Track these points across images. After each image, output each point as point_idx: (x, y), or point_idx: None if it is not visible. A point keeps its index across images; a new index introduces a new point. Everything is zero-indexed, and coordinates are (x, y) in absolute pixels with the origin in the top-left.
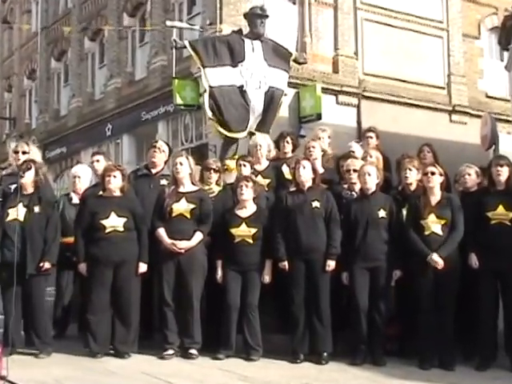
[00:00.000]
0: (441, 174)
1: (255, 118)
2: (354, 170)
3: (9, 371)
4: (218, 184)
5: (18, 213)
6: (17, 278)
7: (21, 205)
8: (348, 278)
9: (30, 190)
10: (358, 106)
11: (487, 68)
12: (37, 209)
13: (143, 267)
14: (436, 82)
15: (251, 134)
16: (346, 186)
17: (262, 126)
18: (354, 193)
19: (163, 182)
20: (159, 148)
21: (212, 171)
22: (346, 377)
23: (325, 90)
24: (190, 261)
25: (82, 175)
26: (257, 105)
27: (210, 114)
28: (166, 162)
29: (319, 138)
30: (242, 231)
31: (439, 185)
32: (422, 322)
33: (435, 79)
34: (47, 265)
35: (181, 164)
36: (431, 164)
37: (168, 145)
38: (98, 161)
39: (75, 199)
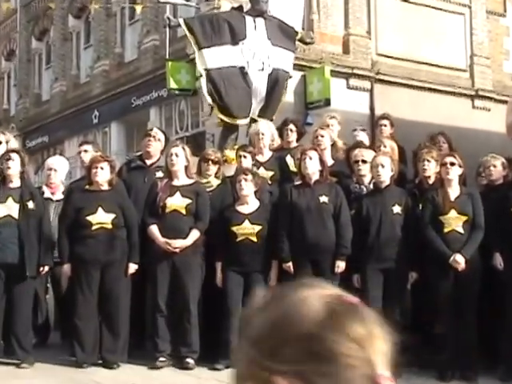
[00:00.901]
0: (460, 165)
1: (257, 103)
2: (363, 161)
3: None
4: (216, 177)
5: (9, 209)
6: (6, 281)
7: (11, 200)
8: (359, 281)
9: (16, 182)
10: (371, 91)
11: None
12: (31, 204)
13: (133, 268)
14: (457, 64)
15: (253, 120)
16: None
17: (265, 112)
18: (362, 186)
19: (159, 174)
20: (154, 136)
21: (211, 162)
22: None
23: (334, 73)
24: (185, 261)
25: (58, 168)
26: (259, 88)
27: (209, 99)
28: (162, 152)
29: (328, 126)
30: (245, 229)
31: (458, 177)
32: (441, 330)
33: (456, 61)
34: (46, 268)
35: (176, 155)
36: (450, 154)
37: (164, 133)
38: (85, 151)
39: (47, 193)
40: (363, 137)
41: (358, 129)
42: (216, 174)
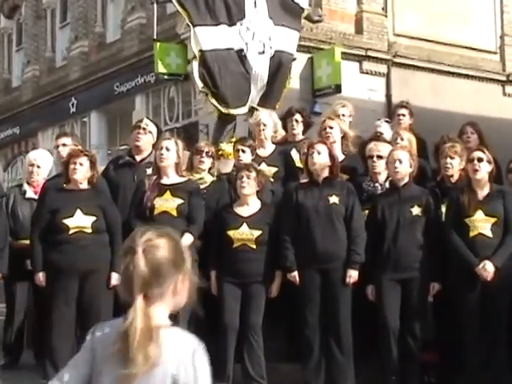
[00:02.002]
0: (489, 162)
1: (258, 90)
2: (378, 157)
3: None
4: (210, 173)
5: None
6: None
7: None
8: (374, 293)
9: None
10: (387, 76)
11: None
12: None
13: (117, 278)
14: (486, 46)
15: (253, 110)
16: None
17: (267, 101)
18: (377, 184)
19: (150, 171)
20: (144, 128)
21: (204, 155)
22: None
23: (345, 56)
24: None
25: (42, 163)
26: (260, 73)
27: (200, 84)
28: (154, 147)
29: (338, 116)
30: (243, 234)
31: (488, 174)
32: (466, 347)
33: (485, 41)
34: None
35: (167, 149)
36: (477, 148)
37: (156, 125)
38: (64, 145)
39: (30, 192)
40: (385, 129)
41: (382, 120)
42: (210, 169)
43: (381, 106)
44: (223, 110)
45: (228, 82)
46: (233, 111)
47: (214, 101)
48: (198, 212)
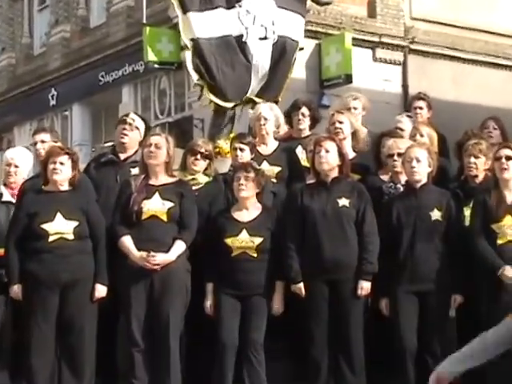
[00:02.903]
0: None
1: (259, 81)
2: (399, 155)
3: None
4: (206, 174)
5: None
6: None
7: None
8: (389, 307)
9: None
10: (404, 64)
11: None
12: None
13: (101, 290)
14: None
15: (253, 102)
16: (386, 176)
17: (269, 92)
18: (398, 186)
19: (136, 171)
20: (131, 124)
21: (200, 156)
22: None
23: (357, 42)
24: (167, 281)
25: (20, 163)
26: (261, 62)
27: (195, 77)
28: (140, 144)
29: (349, 109)
30: (243, 241)
31: None
32: (492, 368)
33: None
34: None
35: (157, 147)
36: (506, 145)
37: (144, 120)
38: (42, 141)
39: (7, 195)
40: (407, 125)
41: (403, 114)
42: (205, 170)
43: (396, 97)
44: (222, 103)
45: (226, 72)
46: (232, 105)
47: (211, 95)
48: (190, 216)
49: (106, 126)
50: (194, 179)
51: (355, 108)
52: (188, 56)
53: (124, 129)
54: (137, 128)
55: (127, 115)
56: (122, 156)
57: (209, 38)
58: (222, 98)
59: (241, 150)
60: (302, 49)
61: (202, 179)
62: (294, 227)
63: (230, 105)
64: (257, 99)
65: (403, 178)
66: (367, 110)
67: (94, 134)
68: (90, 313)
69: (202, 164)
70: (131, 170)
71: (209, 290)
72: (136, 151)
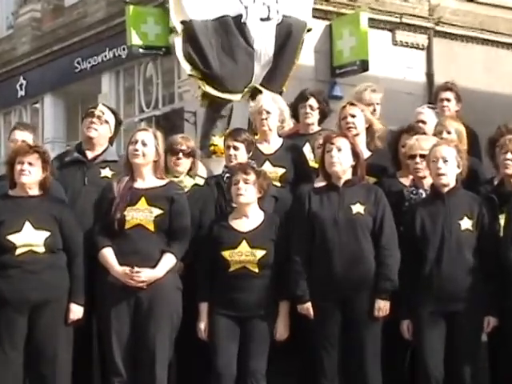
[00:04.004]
0: None
1: (262, 67)
2: (423, 156)
3: None
4: (190, 174)
5: None
6: None
7: None
8: (411, 330)
9: None
10: (429, 49)
11: None
12: None
13: (77, 311)
14: None
15: (255, 91)
16: (406, 179)
17: (273, 81)
18: (422, 191)
19: (106, 172)
20: (99, 117)
21: (181, 154)
22: None
23: (374, 23)
24: (154, 301)
25: None
26: (264, 46)
27: (187, 67)
28: (111, 141)
29: (365, 102)
30: (242, 254)
31: None
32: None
33: None
34: None
35: (144, 144)
36: None
37: (114, 112)
38: (23, 142)
39: None
40: (429, 117)
41: (424, 106)
42: (189, 170)
43: (420, 87)
44: (221, 95)
45: (225, 60)
46: (235, 97)
47: (207, 87)
48: (182, 226)
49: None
50: (179, 182)
51: (371, 100)
52: (178, 42)
53: (92, 122)
54: (106, 122)
55: (95, 107)
56: (90, 154)
57: (204, 19)
58: (221, 89)
59: (234, 148)
60: (310, 30)
61: (188, 182)
62: (301, 238)
63: (234, 97)
64: (260, 88)
65: (427, 184)
66: (384, 101)
67: (68, 129)
68: (63, 337)
69: (185, 163)
70: (101, 170)
71: (203, 311)
72: (106, 149)
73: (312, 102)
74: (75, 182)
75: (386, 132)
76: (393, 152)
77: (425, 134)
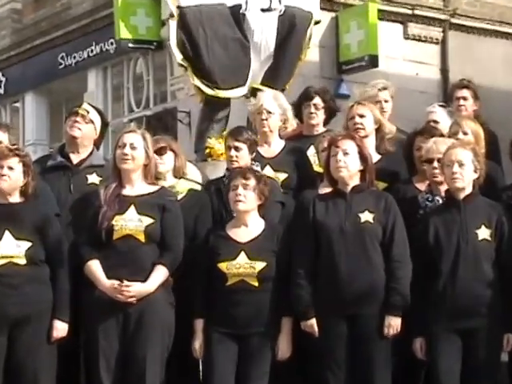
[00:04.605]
0: None
1: (262, 63)
2: (440, 161)
3: None
4: (176, 176)
5: None
6: None
7: None
8: (425, 348)
9: None
10: (444, 43)
11: None
12: None
13: (61, 329)
14: None
15: (254, 91)
16: (422, 184)
17: (274, 78)
18: (438, 198)
19: (93, 178)
20: (84, 116)
21: (163, 153)
22: None
23: (384, 15)
24: (144, 317)
25: None
26: (264, 39)
27: (179, 56)
28: (97, 143)
29: (374, 100)
30: (241, 267)
31: None
32: None
33: None
34: None
35: (132, 147)
36: None
37: (100, 112)
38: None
39: None
40: (442, 116)
41: (435, 104)
42: (175, 171)
43: (433, 85)
44: (210, 91)
45: (217, 51)
46: (225, 93)
47: (196, 79)
48: (175, 236)
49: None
50: (171, 187)
51: (386, 101)
52: (173, 27)
53: (76, 121)
54: (91, 122)
55: (79, 106)
56: (75, 158)
57: (198, 4)
58: (211, 84)
59: (236, 149)
60: (318, 22)
61: (182, 186)
62: (305, 249)
63: (220, 93)
64: (261, 87)
65: (444, 190)
66: (395, 100)
67: (51, 131)
68: (46, 356)
69: (167, 162)
70: (87, 176)
71: (198, 328)
72: (91, 152)
73: (317, 100)
74: (60, 190)
75: (397, 134)
76: (407, 155)
77: (442, 136)
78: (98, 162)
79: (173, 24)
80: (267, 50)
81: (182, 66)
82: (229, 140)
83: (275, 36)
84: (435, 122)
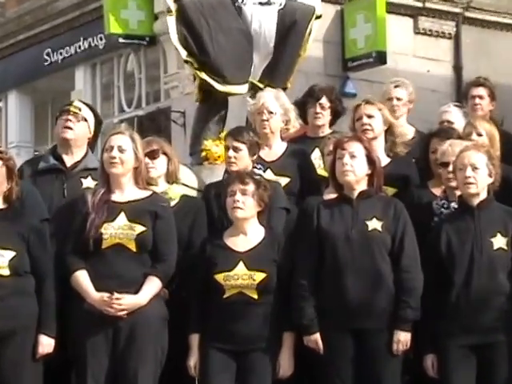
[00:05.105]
0: None
1: (261, 59)
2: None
3: None
4: (169, 181)
5: None
6: None
7: None
8: (437, 366)
9: None
10: (457, 38)
11: None
12: None
13: (47, 344)
14: None
15: (254, 88)
16: (438, 190)
17: (272, 76)
18: (454, 204)
19: (88, 182)
20: (76, 114)
21: (153, 157)
22: None
23: (393, 8)
24: (135, 332)
25: None
26: (263, 35)
27: (183, 52)
28: (91, 143)
29: (386, 97)
30: (239, 278)
31: None
32: None
33: None
34: None
35: (120, 150)
36: None
37: (93, 109)
38: None
39: None
40: (456, 117)
41: (450, 104)
42: (168, 176)
43: (446, 83)
44: (222, 87)
45: (223, 43)
46: (237, 89)
47: (204, 75)
48: (168, 245)
49: (55, 120)
50: (163, 194)
51: (398, 99)
52: (171, 23)
53: (68, 120)
54: (84, 120)
55: (70, 103)
56: (69, 161)
57: None
58: (220, 79)
59: (235, 149)
60: (319, 17)
61: (175, 192)
62: (308, 259)
63: (230, 88)
64: (259, 85)
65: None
66: (413, 101)
67: (36, 132)
68: (31, 373)
69: (159, 167)
70: (82, 180)
71: (193, 344)
72: (86, 154)
73: (323, 100)
74: (52, 195)
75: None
76: (422, 158)
77: (460, 138)
78: (93, 164)
79: (171, 20)
80: (266, 45)
81: (187, 62)
82: (228, 140)
83: (275, 31)
84: (449, 122)
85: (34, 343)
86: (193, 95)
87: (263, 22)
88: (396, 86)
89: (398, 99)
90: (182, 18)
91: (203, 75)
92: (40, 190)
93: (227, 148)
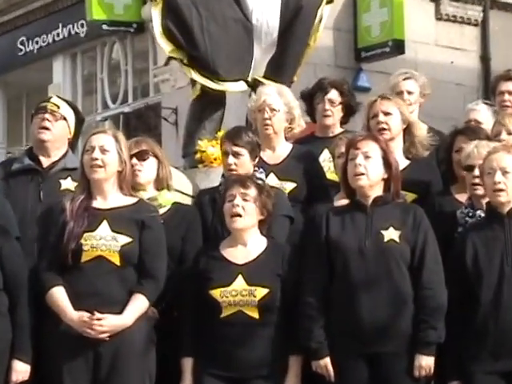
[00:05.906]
0: None
1: (263, 52)
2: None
3: None
4: (159, 188)
5: None
6: None
7: None
8: None
9: None
10: (484, 25)
11: None
12: None
13: (22, 370)
14: None
15: (254, 84)
16: (463, 196)
17: (278, 71)
18: (480, 212)
19: (67, 184)
20: (54, 112)
21: (140, 160)
22: None
23: None
24: (119, 356)
25: None
26: (265, 23)
27: (167, 47)
28: (71, 143)
29: (400, 95)
30: (238, 294)
31: None
32: None
33: None
34: None
35: (102, 150)
36: None
37: (73, 106)
38: None
39: None
40: (485, 116)
41: (479, 101)
42: (158, 182)
43: (472, 76)
44: (215, 86)
45: (216, 34)
46: (230, 86)
47: (194, 74)
48: (156, 258)
49: (30, 118)
50: (153, 200)
51: (409, 92)
52: (155, 15)
53: (44, 120)
54: (63, 119)
55: (48, 100)
56: (45, 161)
57: None
58: (213, 76)
59: (235, 155)
60: (331, 1)
61: (165, 198)
62: (316, 273)
63: (225, 86)
64: (264, 81)
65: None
66: (427, 95)
67: (9, 130)
68: None
69: (147, 171)
70: (61, 182)
71: (186, 369)
72: (65, 153)
73: (333, 95)
74: (27, 198)
75: (431, 133)
76: (445, 159)
77: (488, 138)
78: (73, 164)
79: (155, 12)
80: (269, 35)
81: (173, 58)
82: (226, 144)
83: (278, 20)
84: (477, 122)
85: (6, 369)
86: (186, 90)
87: (265, 8)
88: (405, 79)
89: (409, 93)
90: (169, 6)
91: (193, 74)
92: (13, 193)
93: (225, 153)
